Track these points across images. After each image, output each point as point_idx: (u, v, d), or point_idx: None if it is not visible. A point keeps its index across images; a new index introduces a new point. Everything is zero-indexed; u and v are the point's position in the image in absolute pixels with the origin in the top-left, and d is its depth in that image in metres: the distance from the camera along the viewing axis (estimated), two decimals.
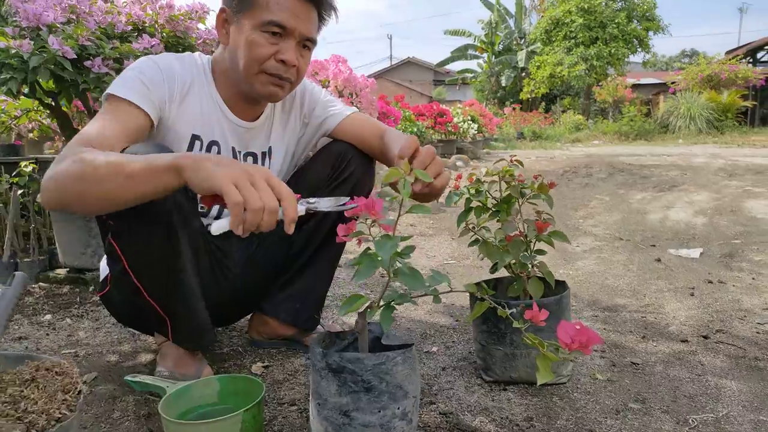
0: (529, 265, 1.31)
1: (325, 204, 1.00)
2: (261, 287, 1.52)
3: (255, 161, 1.40)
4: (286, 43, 1.21)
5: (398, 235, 0.98)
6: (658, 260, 2.50)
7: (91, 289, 2.08)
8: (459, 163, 7.89)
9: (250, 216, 0.86)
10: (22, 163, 2.34)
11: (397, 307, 1.05)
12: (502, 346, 1.29)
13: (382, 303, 1.01)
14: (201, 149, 1.30)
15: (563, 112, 20.45)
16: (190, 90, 1.27)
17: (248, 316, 1.61)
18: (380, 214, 1.03)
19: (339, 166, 1.44)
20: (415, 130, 6.61)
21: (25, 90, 1.98)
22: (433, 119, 8.10)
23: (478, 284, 1.44)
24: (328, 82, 4.06)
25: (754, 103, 17.49)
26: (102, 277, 1.39)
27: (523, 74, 22.76)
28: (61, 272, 2.17)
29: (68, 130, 2.23)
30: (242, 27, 1.21)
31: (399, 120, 5.73)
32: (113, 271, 1.27)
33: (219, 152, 1.33)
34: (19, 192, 2.29)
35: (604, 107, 20.22)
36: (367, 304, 0.99)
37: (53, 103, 2.13)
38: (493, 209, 1.40)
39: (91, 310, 1.87)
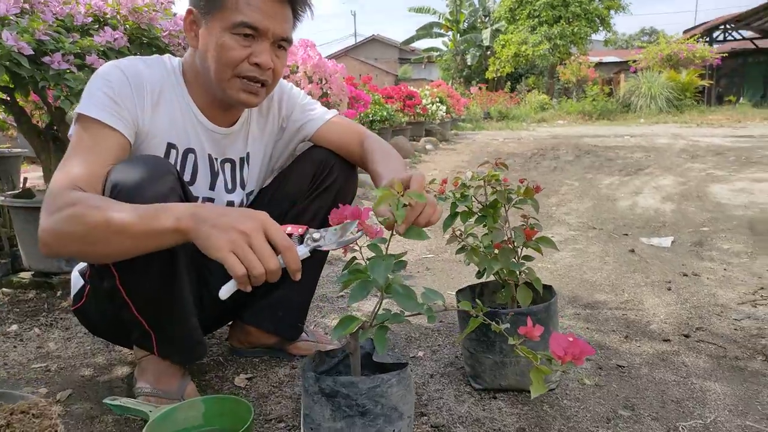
0: (517, 272, 1.30)
1: (330, 238, 0.95)
2: (242, 295, 1.47)
3: (233, 168, 1.34)
4: (260, 45, 1.15)
5: (391, 255, 0.95)
6: (632, 251, 2.54)
7: (59, 293, 1.99)
8: (428, 146, 7.87)
9: (255, 280, 0.87)
10: None
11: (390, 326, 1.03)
12: (492, 354, 1.28)
13: (375, 323, 0.98)
14: (177, 158, 1.23)
15: (528, 91, 20.61)
16: (161, 97, 1.20)
17: (229, 323, 1.56)
18: (368, 224, 1.00)
19: (321, 173, 1.40)
20: (385, 113, 6.54)
21: None
22: (402, 102, 8.03)
23: (464, 290, 1.43)
24: (297, 67, 3.96)
25: (711, 82, 17.98)
26: (76, 289, 1.32)
27: (489, 53, 22.79)
28: (26, 276, 2.06)
29: (25, 124, 2.11)
30: (212, 29, 1.14)
31: (368, 104, 5.66)
32: (97, 285, 1.21)
33: (195, 160, 1.26)
34: None
35: (568, 87, 20.48)
36: (360, 324, 0.96)
37: (8, 98, 2.00)
38: (480, 214, 1.38)
39: (61, 318, 1.79)
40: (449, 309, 1.02)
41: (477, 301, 1.04)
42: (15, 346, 1.60)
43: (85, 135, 1.09)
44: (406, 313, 0.97)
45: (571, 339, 0.93)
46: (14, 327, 1.71)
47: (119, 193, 1.03)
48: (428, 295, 0.99)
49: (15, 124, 2.25)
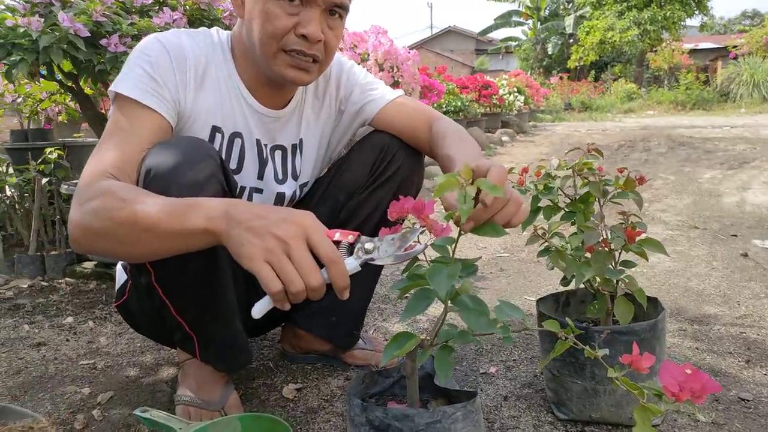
0: (615, 282, 1.07)
1: (386, 250, 0.76)
2: None
3: (284, 156, 1.19)
4: (308, 13, 0.99)
5: (458, 260, 0.77)
6: (745, 255, 2.19)
7: None
8: (504, 138, 7.53)
9: (293, 297, 0.73)
10: (47, 150, 2.22)
11: (455, 347, 0.84)
12: (581, 379, 1.06)
13: (437, 342, 0.80)
14: (222, 142, 1.10)
15: (614, 80, 19.49)
16: (206, 74, 1.07)
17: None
18: (431, 220, 0.82)
19: (382, 161, 1.22)
20: (459, 103, 6.29)
21: (45, 72, 1.83)
22: (478, 92, 7.72)
23: (546, 300, 1.21)
24: (368, 55, 3.82)
25: None
26: (119, 284, 1.23)
27: (571, 41, 21.74)
28: (89, 266, 2.04)
29: (90, 112, 2.08)
30: None
31: (442, 94, 5.44)
32: (137, 281, 1.11)
33: (242, 145, 1.13)
34: (45, 180, 2.17)
35: (659, 75, 19.17)
36: (417, 344, 0.78)
37: (74, 86, 1.98)
38: (567, 210, 1.16)
39: (115, 311, 1.74)
40: (530, 330, 0.82)
41: (567, 321, 0.83)
42: (68, 340, 1.55)
43: (121, 117, 0.98)
44: (476, 332, 0.77)
45: (688, 371, 0.72)
46: (70, 319, 1.67)
47: (153, 179, 0.91)
48: (504, 309, 0.80)
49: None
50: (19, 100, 2.28)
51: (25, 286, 1.92)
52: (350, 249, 0.78)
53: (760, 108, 13.06)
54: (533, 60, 23.31)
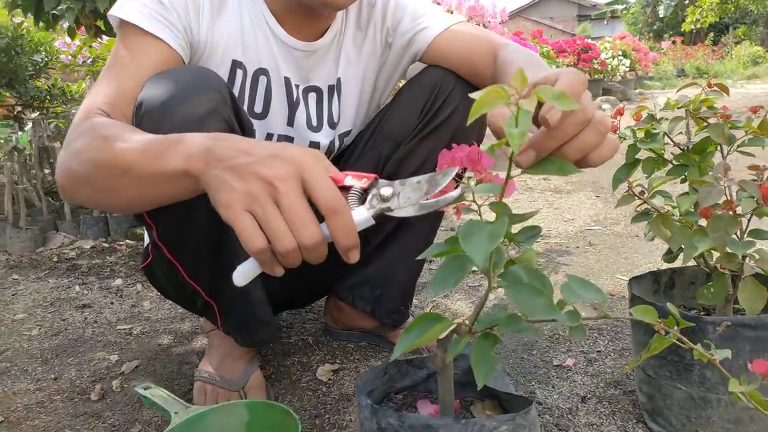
0: (740, 257, 0.79)
1: (408, 196, 0.56)
2: (334, 262, 1.16)
3: (319, 99, 1.01)
4: None
5: (504, 216, 0.54)
6: None
7: None
8: (605, 106, 6.92)
9: (283, 259, 0.55)
10: None
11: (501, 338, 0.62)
12: (686, 384, 0.80)
13: (476, 328, 0.59)
14: (245, 80, 0.94)
15: (736, 43, 17.48)
16: None
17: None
18: (489, 173, 0.61)
19: (434, 103, 1.00)
20: (554, 68, 5.81)
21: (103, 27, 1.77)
22: (576, 56, 7.11)
23: (642, 279, 0.95)
24: (452, 11, 3.54)
25: None
26: (146, 244, 1.12)
27: (686, 2, 19.73)
28: None
29: None
30: None
31: None
32: (150, 239, 0.98)
33: (269, 84, 0.95)
34: None
35: None
36: (451, 329, 0.57)
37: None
38: (677, 162, 0.88)
39: None
40: (610, 318, 0.58)
41: (670, 307, 0.58)
42: (112, 303, 1.48)
43: (121, 47, 0.84)
44: (531, 318, 0.55)
45: None
46: (119, 281, 1.61)
47: (144, 115, 0.76)
48: (574, 288, 0.57)
49: None
50: (89, 60, 2.27)
51: (88, 246, 1.91)
52: (363, 197, 0.58)
53: None
54: (642, 24, 21.48)
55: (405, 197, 0.56)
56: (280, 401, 0.99)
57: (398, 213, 0.56)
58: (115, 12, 0.84)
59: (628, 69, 8.43)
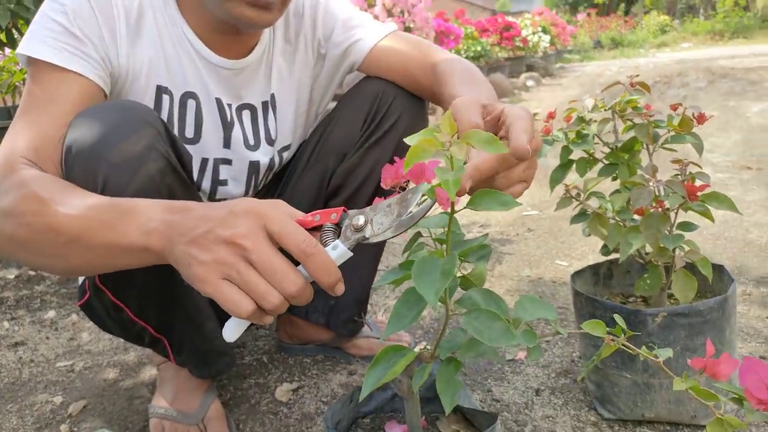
0: (672, 250, 0.84)
1: (382, 222, 0.57)
2: None
3: (254, 116, 0.98)
4: None
5: (454, 252, 0.56)
6: None
7: None
8: (530, 83, 7.12)
9: (271, 312, 0.54)
10: None
11: (464, 363, 0.64)
12: (631, 372, 0.86)
13: (438, 354, 0.60)
14: (172, 105, 0.90)
15: (645, 13, 18.38)
16: (141, 21, 0.85)
17: None
18: (434, 186, 0.61)
19: (376, 114, 1.00)
20: (479, 48, 5.91)
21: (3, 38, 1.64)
22: (499, 34, 7.26)
23: (583, 274, 0.99)
24: (375, 0, 3.52)
25: None
26: (80, 280, 1.06)
27: None
28: None
29: None
30: None
31: (460, 39, 5.08)
32: (90, 281, 0.93)
33: (198, 107, 0.92)
34: None
35: (693, 4, 18.00)
36: (411, 361, 0.58)
37: None
38: (607, 162, 0.92)
39: None
40: (563, 334, 0.61)
41: (617, 318, 0.61)
42: (48, 337, 1.40)
43: (34, 86, 0.78)
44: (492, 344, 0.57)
45: None
46: (52, 313, 1.52)
47: (75, 158, 0.72)
48: (527, 307, 0.59)
49: None
50: None
51: (12, 276, 1.78)
52: (336, 231, 0.58)
53: None
54: None
55: (378, 223, 0.57)
56: (241, 429, 0.97)
57: (375, 239, 0.57)
58: (24, 50, 0.78)
59: (548, 44, 8.70)
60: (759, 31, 13.63)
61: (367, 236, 0.57)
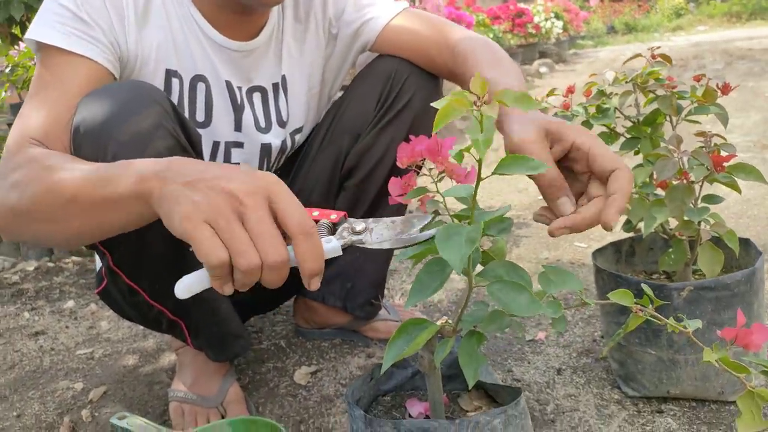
0: (696, 223, 0.82)
1: (381, 234, 0.57)
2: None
3: (264, 98, 0.97)
4: None
5: (481, 213, 0.54)
6: None
7: None
8: (543, 69, 7.04)
9: (242, 276, 0.51)
10: None
11: (487, 336, 0.63)
12: (655, 348, 0.84)
13: (460, 329, 0.59)
14: (182, 89, 0.89)
15: None
16: (149, 6, 0.85)
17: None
18: (451, 163, 0.61)
19: (390, 93, 0.99)
20: (491, 35, 5.85)
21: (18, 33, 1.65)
22: (511, 21, 7.17)
23: (604, 251, 0.97)
24: None
25: None
26: (98, 267, 1.06)
27: None
28: None
29: None
30: None
31: (471, 26, 5.03)
32: (105, 265, 0.93)
33: (208, 90, 0.91)
34: None
35: None
36: (433, 335, 0.57)
37: None
38: (629, 135, 0.90)
39: None
40: (591, 305, 0.59)
41: (645, 288, 0.60)
42: (67, 326, 1.41)
43: (44, 71, 0.78)
44: (516, 317, 0.55)
45: None
46: (71, 303, 1.53)
47: (84, 137, 0.72)
48: (551, 278, 0.57)
49: None
50: (8, 69, 2.12)
51: (31, 268, 1.80)
52: (333, 230, 0.58)
53: None
54: None
55: (378, 233, 0.57)
56: (260, 411, 0.97)
57: (369, 246, 0.57)
58: (32, 35, 0.78)
59: (561, 30, 8.58)
60: None
61: (363, 241, 0.57)
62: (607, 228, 0.60)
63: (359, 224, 0.57)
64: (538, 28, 7.66)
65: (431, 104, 0.97)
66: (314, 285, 0.52)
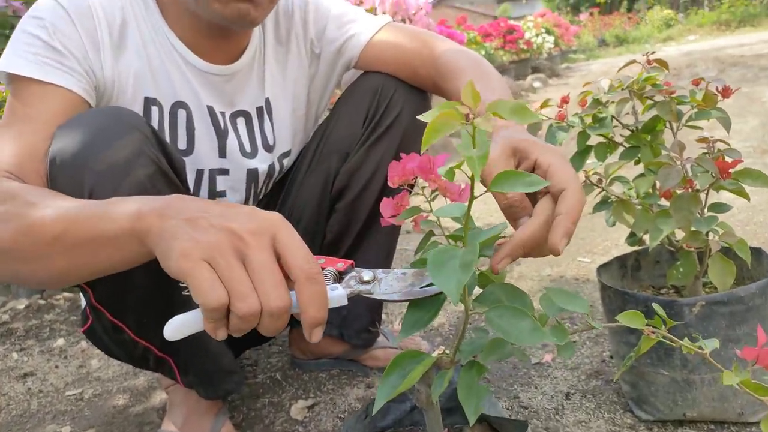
0: (705, 234, 0.78)
1: (390, 285, 0.53)
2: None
3: (248, 123, 0.94)
4: None
5: (477, 233, 0.50)
6: None
7: None
8: (536, 84, 7.06)
9: (238, 322, 0.46)
10: None
11: (489, 367, 0.58)
12: (668, 368, 0.79)
13: (458, 359, 0.54)
14: (162, 117, 0.86)
15: (648, 8, 18.27)
16: (124, 33, 0.82)
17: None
18: (443, 180, 0.57)
19: (377, 109, 0.95)
20: (483, 52, 5.87)
21: None
22: (502, 38, 7.22)
23: (609, 266, 0.93)
24: (375, 9, 3.50)
25: None
26: (83, 306, 1.02)
27: None
28: None
29: None
30: None
31: (463, 44, 5.05)
32: (86, 301, 0.89)
33: (189, 117, 0.88)
34: None
35: None
36: (430, 367, 0.53)
37: None
38: (628, 144, 0.86)
39: None
40: (597, 328, 0.55)
41: (656, 308, 0.55)
42: (57, 366, 1.36)
43: (17, 103, 0.75)
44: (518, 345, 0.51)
45: None
46: (61, 341, 1.48)
47: (60, 168, 0.68)
48: (554, 301, 0.53)
49: None
50: None
51: (22, 307, 1.75)
52: (338, 278, 0.55)
53: None
54: (559, 0, 22.15)
55: (387, 284, 0.53)
56: None
57: (378, 297, 0.53)
58: (3, 66, 0.75)
59: (552, 45, 8.65)
60: (766, 18, 13.44)
61: (371, 292, 0.53)
62: (555, 253, 0.54)
63: (367, 274, 0.53)
64: (530, 44, 7.71)
65: (418, 117, 0.93)
66: (315, 336, 0.48)
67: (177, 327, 0.49)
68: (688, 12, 16.77)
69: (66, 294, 1.82)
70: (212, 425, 0.93)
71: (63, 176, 0.68)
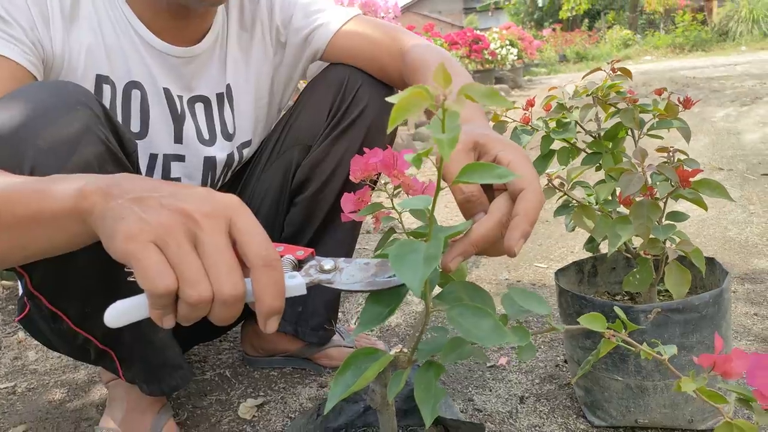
0: (662, 241, 0.79)
1: (353, 274, 0.50)
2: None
3: (208, 109, 0.90)
4: None
5: (440, 230, 0.49)
6: None
7: None
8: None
9: (186, 310, 0.42)
10: None
11: (446, 366, 0.57)
12: (622, 374, 0.79)
13: (416, 358, 0.52)
14: (114, 96, 0.81)
15: (608, 28, 18.88)
16: (76, 5, 0.77)
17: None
18: (407, 176, 0.55)
19: (342, 102, 0.93)
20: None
21: None
22: (468, 47, 7.30)
23: (567, 271, 0.93)
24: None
25: None
26: (20, 293, 0.95)
27: None
28: None
29: None
30: None
31: None
32: (23, 287, 0.83)
33: (144, 98, 0.83)
34: None
35: (654, 19, 18.57)
36: (385, 366, 0.51)
37: None
38: (590, 151, 0.87)
39: None
40: (558, 331, 0.54)
41: (617, 310, 0.55)
42: None
43: None
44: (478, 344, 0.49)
45: None
46: None
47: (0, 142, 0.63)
48: (516, 301, 0.52)
49: None
50: None
51: None
52: (297, 267, 0.52)
53: (762, 44, 12.57)
54: (524, 14, 22.62)
55: (349, 274, 0.51)
56: None
57: (339, 286, 0.50)
58: None
59: (516, 57, 8.80)
60: (716, 44, 14.08)
61: (332, 281, 0.50)
62: (510, 255, 0.52)
63: (328, 263, 0.51)
64: (494, 55, 7.83)
65: (386, 99, 0.90)
66: (271, 326, 0.44)
67: (119, 313, 0.45)
68: (646, 33, 17.42)
69: (5, 282, 1.72)
70: (153, 423, 0.88)
71: (1, 151, 0.63)
